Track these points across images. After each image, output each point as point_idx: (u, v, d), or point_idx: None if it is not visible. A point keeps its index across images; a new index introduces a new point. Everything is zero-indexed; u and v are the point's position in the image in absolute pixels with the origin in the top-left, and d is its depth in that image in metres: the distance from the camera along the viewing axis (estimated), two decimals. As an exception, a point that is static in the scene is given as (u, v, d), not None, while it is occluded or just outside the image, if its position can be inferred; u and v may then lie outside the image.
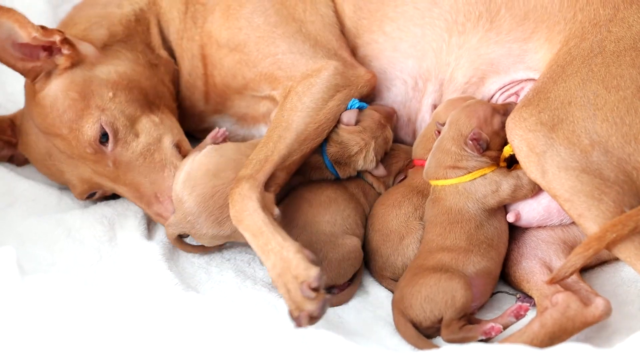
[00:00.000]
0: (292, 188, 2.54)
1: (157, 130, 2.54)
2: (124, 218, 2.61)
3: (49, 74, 2.48)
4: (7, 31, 2.42)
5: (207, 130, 2.79)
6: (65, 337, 1.92)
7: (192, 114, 2.77)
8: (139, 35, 2.67)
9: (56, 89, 2.47)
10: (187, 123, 2.75)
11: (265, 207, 2.31)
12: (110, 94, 2.49)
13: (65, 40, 2.46)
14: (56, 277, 2.08)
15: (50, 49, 2.47)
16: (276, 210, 2.35)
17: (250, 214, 2.29)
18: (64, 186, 2.67)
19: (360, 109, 2.53)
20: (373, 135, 2.52)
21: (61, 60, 2.47)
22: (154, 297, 2.17)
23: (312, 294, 2.14)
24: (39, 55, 2.47)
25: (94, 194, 2.60)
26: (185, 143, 2.60)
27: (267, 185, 2.38)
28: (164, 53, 2.69)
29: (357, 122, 2.51)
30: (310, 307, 2.14)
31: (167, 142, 2.54)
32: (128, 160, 2.49)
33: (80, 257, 2.48)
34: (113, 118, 2.47)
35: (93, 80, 2.49)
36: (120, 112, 2.49)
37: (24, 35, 2.42)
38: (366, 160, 2.52)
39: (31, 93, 2.52)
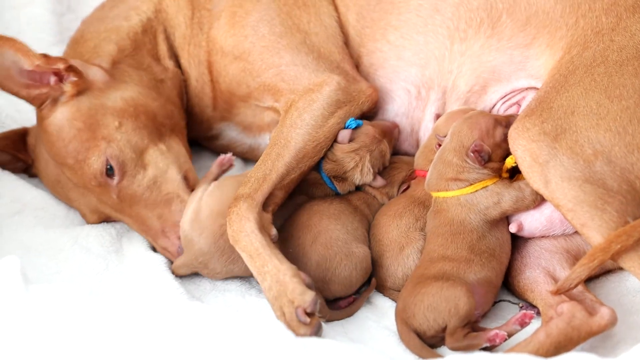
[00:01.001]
0: (299, 205, 2.51)
1: (165, 161, 2.50)
2: (132, 229, 2.57)
3: (55, 101, 2.44)
4: (10, 59, 2.39)
5: (214, 139, 2.82)
6: (69, 346, 1.90)
7: (200, 121, 2.75)
8: (146, 46, 2.64)
9: (62, 117, 2.44)
10: (194, 130, 2.74)
11: (262, 228, 2.30)
12: (117, 123, 2.45)
13: (70, 68, 2.43)
14: (61, 287, 2.07)
15: (60, 74, 2.43)
16: (274, 231, 2.34)
17: (247, 235, 2.28)
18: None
19: (356, 127, 2.51)
20: (368, 149, 2.49)
21: (67, 87, 2.44)
22: (159, 306, 2.13)
23: (307, 319, 2.16)
24: (49, 80, 2.43)
25: None
26: (192, 173, 2.57)
27: (265, 205, 2.37)
28: (170, 64, 2.66)
29: (351, 140, 2.49)
30: (304, 331, 2.16)
31: (175, 174, 2.50)
32: (133, 193, 2.46)
33: (86, 266, 2.47)
34: (119, 150, 2.43)
35: (99, 109, 2.45)
36: (127, 142, 2.45)
37: (28, 64, 2.40)
38: (363, 173, 2.49)
39: (40, 119, 2.49)
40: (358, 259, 2.36)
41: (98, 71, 2.51)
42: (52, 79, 2.43)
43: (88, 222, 2.57)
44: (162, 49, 2.67)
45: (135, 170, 2.46)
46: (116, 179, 2.44)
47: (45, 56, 2.41)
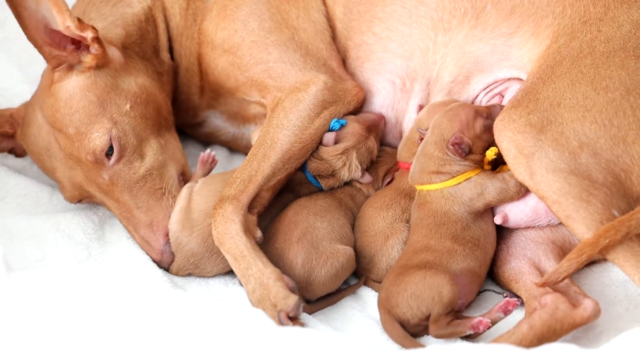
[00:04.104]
0: (285, 204, 2.44)
1: (163, 155, 2.44)
2: (115, 216, 2.51)
3: (70, 67, 2.36)
4: (44, 13, 2.29)
5: (198, 126, 2.75)
6: (51, 334, 1.85)
7: (186, 109, 2.69)
8: (150, 36, 2.56)
9: (75, 85, 2.36)
10: (180, 117, 2.67)
11: (247, 230, 2.26)
12: (128, 107, 2.39)
13: (97, 39, 2.34)
14: (43, 274, 2.02)
15: (78, 43, 2.35)
16: (258, 233, 2.30)
17: (232, 237, 2.25)
18: (55, 183, 2.57)
19: (340, 127, 2.44)
20: (355, 148, 2.43)
21: (87, 58, 2.35)
22: (142, 294, 2.09)
23: (290, 323, 2.13)
24: (66, 46, 2.34)
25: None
26: (188, 169, 2.51)
27: (251, 206, 2.33)
28: (166, 56, 2.59)
29: (337, 141, 2.43)
30: None
31: (171, 170, 2.45)
32: (127, 179, 2.39)
33: (69, 254, 2.41)
34: (123, 133, 2.36)
35: (114, 88, 2.39)
36: (132, 128, 2.39)
37: (59, 22, 2.30)
38: (350, 171, 2.43)
39: (48, 81, 2.40)
40: (344, 259, 2.29)
41: (116, 51, 2.44)
42: (70, 46, 2.35)
43: (66, 197, 2.48)
44: (163, 40, 2.60)
45: (132, 156, 2.39)
46: (112, 160, 2.36)
47: (79, 20, 2.32)
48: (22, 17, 2.29)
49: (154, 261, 2.40)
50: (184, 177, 2.48)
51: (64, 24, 2.30)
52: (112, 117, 2.36)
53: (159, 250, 2.37)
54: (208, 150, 2.48)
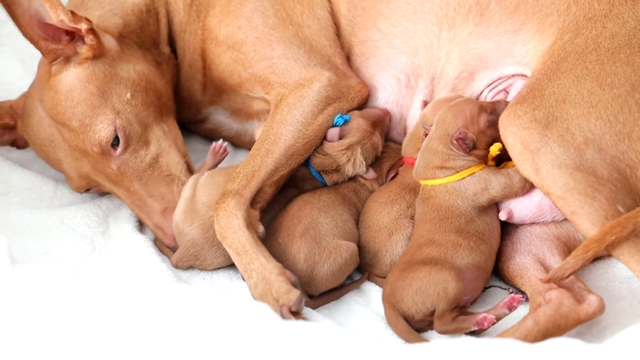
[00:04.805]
0: (290, 199, 2.43)
1: (167, 141, 2.44)
2: (118, 210, 2.52)
3: (68, 59, 2.35)
4: (36, 7, 2.28)
5: (201, 122, 2.75)
6: (55, 327, 1.84)
7: (189, 105, 2.68)
8: (149, 27, 2.55)
9: (74, 77, 2.35)
10: (183, 114, 2.66)
11: (250, 225, 2.25)
12: (129, 95, 2.38)
13: (91, 30, 2.33)
14: (48, 267, 2.00)
15: (73, 35, 2.34)
16: (261, 228, 2.29)
17: (234, 232, 2.24)
18: (60, 176, 2.57)
19: (344, 122, 2.44)
20: (360, 144, 2.42)
21: (83, 49, 2.34)
22: (146, 288, 2.07)
23: (292, 318, 2.12)
24: (61, 39, 2.34)
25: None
26: (187, 157, 2.50)
27: (254, 201, 2.32)
28: (166, 49, 2.58)
29: (342, 136, 2.42)
30: None
31: (176, 155, 2.44)
32: (135, 168, 2.38)
33: (73, 247, 2.40)
34: (127, 122, 2.36)
35: (113, 77, 2.38)
36: (135, 116, 2.38)
37: (52, 16, 2.29)
38: (355, 166, 2.42)
39: (46, 74, 2.38)
40: (347, 254, 2.28)
41: (111, 40, 2.43)
42: (65, 38, 2.34)
43: (73, 188, 2.48)
44: (163, 33, 2.59)
45: (138, 145, 2.39)
46: (119, 150, 2.36)
47: (72, 13, 2.31)
48: (16, 15, 2.28)
49: (161, 251, 2.41)
50: (187, 165, 2.47)
51: (58, 17, 2.29)
52: (114, 107, 2.36)
53: (172, 236, 2.37)
54: (220, 141, 2.47)
